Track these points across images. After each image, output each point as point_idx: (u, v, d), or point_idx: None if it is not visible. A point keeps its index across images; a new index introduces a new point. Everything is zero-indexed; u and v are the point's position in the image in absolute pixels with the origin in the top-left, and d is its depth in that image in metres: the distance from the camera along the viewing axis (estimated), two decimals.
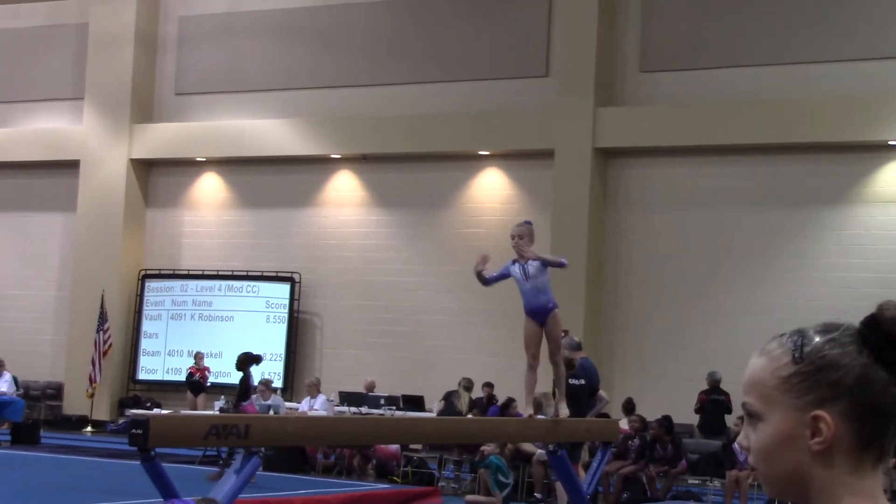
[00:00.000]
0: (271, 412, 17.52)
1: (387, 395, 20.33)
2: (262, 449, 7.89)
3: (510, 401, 17.28)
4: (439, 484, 17.40)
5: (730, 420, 18.64)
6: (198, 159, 25.52)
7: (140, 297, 25.56)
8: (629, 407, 18.39)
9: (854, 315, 1.80)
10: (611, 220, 21.82)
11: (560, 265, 10.37)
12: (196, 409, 21.04)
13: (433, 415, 18.60)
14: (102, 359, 24.46)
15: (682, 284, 21.14)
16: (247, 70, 25.26)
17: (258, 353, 17.49)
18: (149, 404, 23.86)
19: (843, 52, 20.37)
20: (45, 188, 26.83)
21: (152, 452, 7.21)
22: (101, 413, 24.82)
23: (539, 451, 15.38)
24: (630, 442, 17.01)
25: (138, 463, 7.43)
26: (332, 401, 20.06)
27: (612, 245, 21.77)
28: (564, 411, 10.32)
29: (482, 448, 16.04)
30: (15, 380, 22.41)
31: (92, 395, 24.47)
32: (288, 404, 19.98)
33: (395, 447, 18.15)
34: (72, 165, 25.98)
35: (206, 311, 24.88)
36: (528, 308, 10.10)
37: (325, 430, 9.59)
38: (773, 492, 1.79)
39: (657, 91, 21.75)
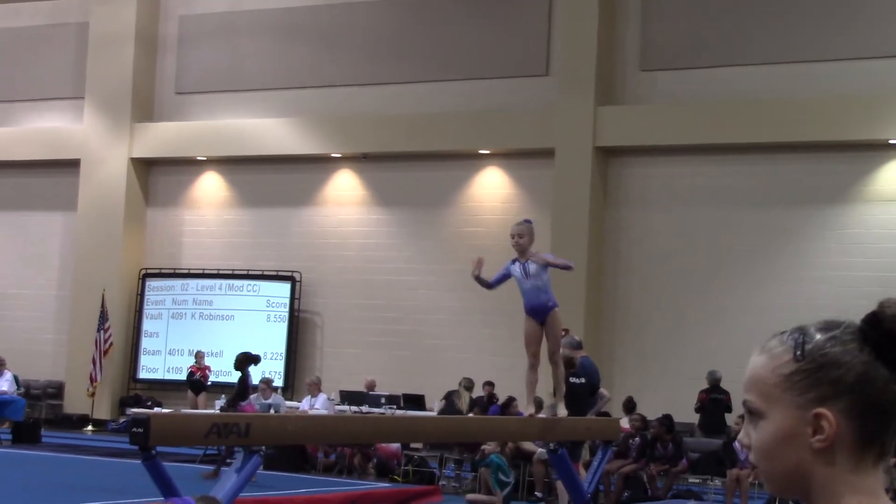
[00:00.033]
0: (272, 411, 17.53)
1: (387, 394, 20.33)
2: (263, 448, 7.89)
3: (511, 400, 17.28)
4: (440, 483, 17.41)
5: (730, 419, 18.63)
6: (198, 158, 25.52)
7: (141, 296, 25.57)
8: (630, 406, 18.39)
9: (855, 314, 1.81)
10: (611, 219, 21.83)
11: (567, 267, 10.33)
12: (197, 408, 21.04)
13: (434, 414, 18.60)
14: (103, 358, 24.47)
15: (682, 283, 21.14)
16: (247, 69, 25.26)
17: (257, 353, 17.47)
18: (149, 403, 23.86)
19: (843, 51, 20.36)
20: (46, 187, 26.83)
21: (153, 451, 7.21)
22: (102, 412, 24.83)
23: (540, 449, 15.38)
24: (631, 441, 17.01)
25: (139, 462, 7.43)
26: (332, 400, 20.07)
27: (613, 244, 21.78)
28: (562, 411, 10.32)
29: (483, 447, 16.03)
30: (16, 379, 22.41)
31: (93, 395, 24.48)
32: (288, 403, 19.98)
33: (395, 446, 18.15)
34: (72, 164, 25.98)
35: (206, 310, 24.89)
36: (529, 307, 10.10)
37: (325, 428, 9.59)
38: (775, 489, 1.79)
39: (657, 90, 21.76)
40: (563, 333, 16.37)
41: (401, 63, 23.77)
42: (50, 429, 23.35)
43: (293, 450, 18.19)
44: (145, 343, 25.45)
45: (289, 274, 24.29)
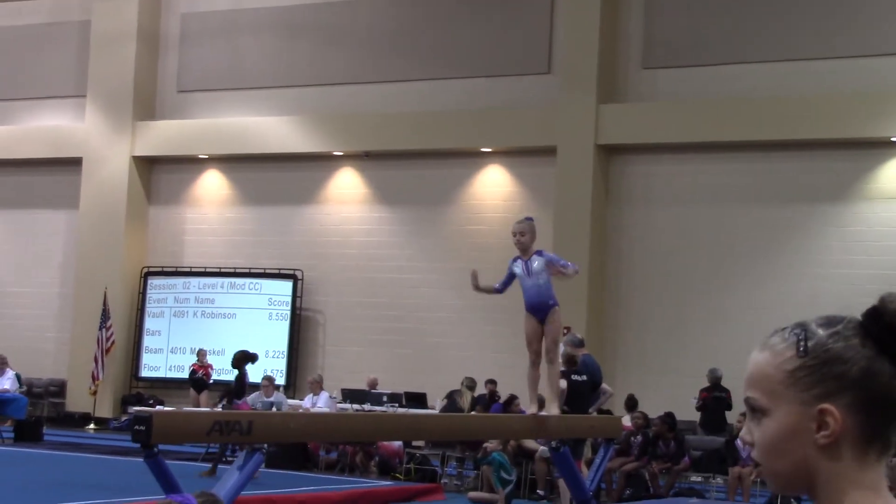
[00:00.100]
0: (274, 409, 17.53)
1: (389, 392, 20.32)
2: (265, 445, 7.89)
3: (513, 398, 17.28)
4: (442, 481, 17.42)
5: (731, 417, 18.62)
6: (200, 156, 25.53)
7: (143, 294, 25.58)
8: (631, 403, 18.38)
9: (857, 311, 1.80)
10: (613, 217, 21.82)
11: (573, 272, 10.21)
12: (199, 407, 21.04)
13: (436, 412, 18.60)
14: (105, 356, 24.47)
15: (684, 281, 21.13)
16: (249, 67, 25.26)
17: (255, 351, 17.46)
18: (151, 401, 23.88)
19: (845, 48, 20.35)
20: (48, 186, 26.84)
21: (155, 449, 7.22)
22: (104, 410, 24.83)
23: (542, 447, 15.39)
24: (633, 438, 17.02)
25: (141, 460, 7.44)
26: (334, 398, 20.06)
27: (615, 242, 21.77)
28: (554, 410, 10.30)
29: (485, 445, 16.04)
30: (18, 377, 22.41)
31: (95, 393, 24.48)
32: (290, 401, 19.98)
33: (397, 444, 18.16)
34: (74, 163, 25.99)
35: (208, 308, 24.89)
36: (529, 305, 10.10)
37: (327, 426, 9.60)
38: (778, 486, 1.79)
39: (659, 88, 21.75)
40: (565, 331, 16.42)
41: (403, 61, 23.77)
42: (52, 427, 23.36)
43: (295, 448, 18.19)
44: (147, 341, 25.46)
45: (291, 272, 24.29)
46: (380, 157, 23.86)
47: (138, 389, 25.36)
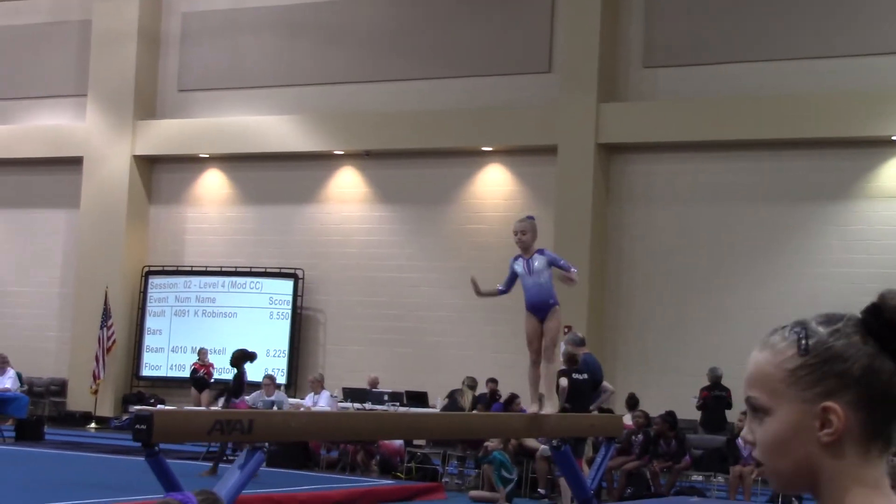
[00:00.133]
0: (275, 408, 17.53)
1: (390, 391, 20.33)
2: (266, 444, 7.89)
3: (513, 396, 17.29)
4: (443, 480, 17.42)
5: (731, 416, 18.61)
6: (201, 156, 25.53)
7: (143, 293, 25.58)
8: (632, 402, 18.38)
9: (857, 310, 1.81)
10: (613, 216, 21.82)
11: (571, 276, 10.18)
12: (200, 406, 21.04)
13: (437, 411, 18.60)
14: (106, 355, 24.48)
15: (684, 280, 21.13)
16: (250, 66, 25.26)
17: (254, 350, 17.43)
18: (152, 401, 23.87)
19: (846, 47, 20.35)
20: (49, 185, 26.84)
21: (156, 448, 7.22)
22: (105, 409, 24.84)
23: (543, 446, 15.39)
24: (634, 437, 17.02)
25: (142, 459, 7.44)
26: (335, 397, 20.06)
27: (615, 241, 21.77)
28: (548, 409, 10.30)
29: (486, 444, 16.05)
30: (19, 376, 22.42)
31: (96, 392, 24.48)
32: (291, 400, 19.98)
33: (398, 443, 18.17)
34: (75, 162, 25.99)
35: (209, 307, 24.89)
36: (529, 303, 10.10)
37: (328, 425, 9.61)
38: (781, 485, 1.79)
39: (660, 87, 21.75)
40: (566, 330, 16.43)
41: (403, 60, 23.77)
42: (53, 426, 23.37)
43: (296, 447, 18.19)
44: (148, 340, 25.46)
45: (291, 271, 24.30)
46: (380, 157, 23.86)
47: (139, 388, 25.37)
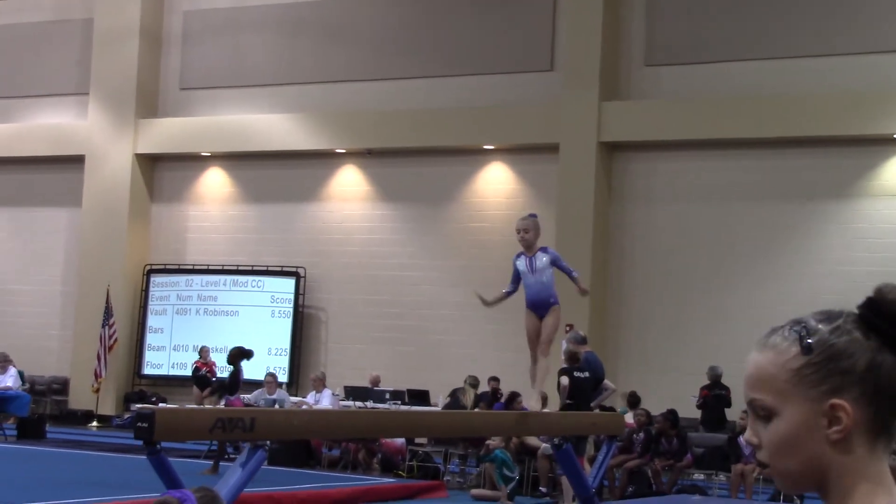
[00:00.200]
0: (276, 406, 17.53)
1: (392, 389, 20.34)
2: (268, 443, 7.89)
3: (515, 395, 17.28)
4: (444, 478, 17.42)
5: (730, 414, 18.60)
6: (203, 154, 25.54)
7: (145, 291, 25.59)
8: (634, 400, 18.38)
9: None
10: (615, 215, 21.82)
11: (572, 277, 10.26)
12: (202, 404, 21.04)
13: (439, 409, 18.60)
14: (108, 354, 24.48)
15: (685, 279, 21.13)
16: (251, 65, 25.27)
17: (252, 348, 17.41)
18: (154, 399, 23.89)
19: (847, 45, 20.34)
20: (50, 183, 26.85)
21: (158, 446, 7.22)
22: (107, 408, 24.85)
23: (544, 444, 15.39)
24: (635, 436, 17.02)
25: (144, 457, 7.44)
26: (337, 395, 20.06)
27: (617, 239, 21.77)
28: (533, 403, 10.30)
29: (487, 442, 16.05)
30: (21, 375, 22.43)
31: (97, 390, 24.49)
32: (293, 399, 19.98)
33: (400, 441, 18.16)
34: (77, 160, 26.00)
35: (211, 305, 24.90)
36: (530, 301, 10.10)
37: (330, 423, 9.60)
38: (788, 486, 1.79)
39: (662, 85, 21.75)
40: (568, 329, 16.44)
41: (405, 58, 23.77)
42: (55, 424, 23.38)
43: (298, 445, 18.20)
44: (150, 339, 25.47)
45: (293, 269, 24.30)
46: (382, 155, 23.86)
47: (141, 387, 25.38)
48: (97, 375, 24.38)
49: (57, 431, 22.46)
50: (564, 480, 13.90)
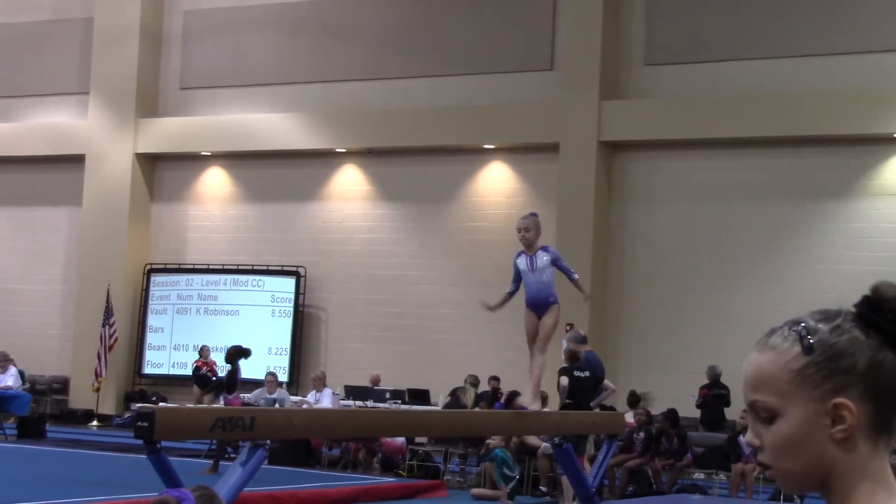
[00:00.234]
0: (276, 406, 17.52)
1: (392, 388, 20.33)
2: (268, 442, 7.89)
3: (515, 394, 17.27)
4: (445, 477, 17.42)
5: (730, 413, 18.59)
6: (203, 153, 25.54)
7: (145, 291, 25.59)
8: (634, 400, 18.37)
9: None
10: (615, 214, 21.81)
11: (572, 278, 10.27)
12: (202, 404, 21.03)
13: (439, 409, 18.60)
14: (108, 353, 24.48)
15: (686, 279, 21.12)
16: (251, 64, 25.26)
17: (251, 347, 17.39)
18: (154, 398, 23.89)
19: (847, 45, 20.34)
20: (51, 183, 26.85)
21: (158, 445, 7.22)
22: (107, 407, 24.85)
23: (544, 444, 15.39)
24: (635, 435, 17.02)
25: (144, 457, 7.44)
26: (337, 395, 20.06)
27: (617, 238, 21.77)
28: (527, 398, 10.30)
29: (487, 441, 16.05)
30: (21, 374, 22.42)
31: (98, 390, 24.49)
32: (293, 398, 19.98)
33: (400, 441, 18.16)
34: (77, 160, 25.99)
35: (211, 305, 24.90)
36: (530, 300, 10.10)
37: (330, 422, 9.60)
38: (792, 486, 1.79)
39: (662, 84, 21.74)
40: (568, 328, 16.45)
41: (405, 57, 23.77)
42: (55, 424, 23.38)
43: (298, 444, 18.19)
44: (150, 338, 25.48)
45: (293, 269, 24.30)
46: (382, 154, 23.86)
47: (141, 386, 25.38)
48: (97, 375, 24.39)
49: (57, 431, 22.46)
50: (565, 480, 13.91)
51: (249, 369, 17.21)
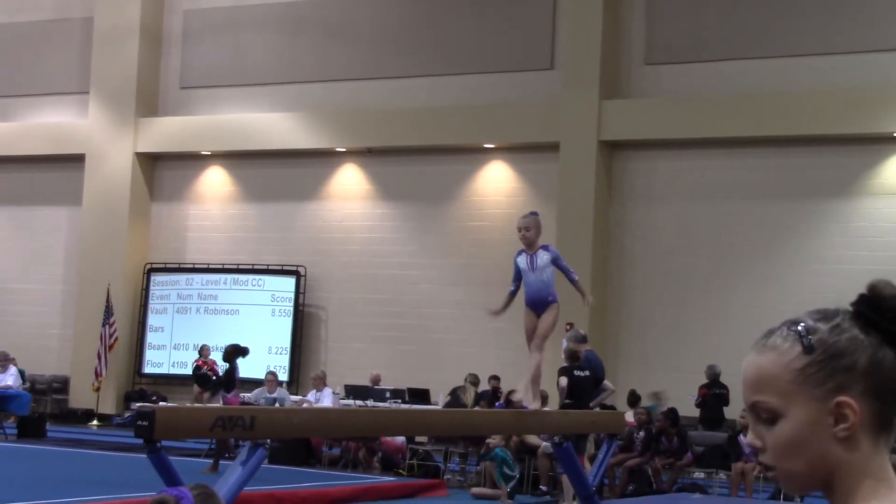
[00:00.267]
0: (277, 405, 17.53)
1: (392, 388, 20.33)
2: (269, 441, 7.89)
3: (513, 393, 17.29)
4: (445, 477, 17.42)
5: (729, 413, 18.59)
6: (203, 153, 25.54)
7: (145, 290, 25.59)
8: (634, 399, 18.38)
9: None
10: (615, 213, 21.82)
11: (571, 279, 10.29)
12: (202, 403, 21.02)
13: (439, 408, 18.60)
14: (108, 352, 24.49)
15: (685, 278, 21.12)
16: (251, 64, 25.27)
17: (249, 346, 17.39)
18: (154, 398, 23.88)
19: (847, 44, 20.34)
20: (51, 182, 26.85)
21: (158, 444, 7.22)
22: (107, 407, 24.86)
23: (545, 443, 15.39)
24: (635, 434, 17.02)
25: (144, 456, 7.44)
26: (337, 394, 20.06)
27: (617, 238, 21.77)
28: (519, 395, 10.30)
29: (487, 440, 16.05)
30: (21, 373, 22.42)
31: (98, 389, 24.50)
32: (293, 397, 19.98)
33: (400, 440, 18.17)
34: (77, 159, 25.99)
35: (211, 304, 24.90)
36: (529, 299, 10.10)
37: (330, 422, 9.61)
38: (795, 487, 1.79)
39: (662, 84, 21.75)
40: (568, 327, 16.45)
41: (405, 57, 23.77)
42: (55, 423, 23.38)
43: (298, 444, 18.20)
44: (150, 338, 25.48)
45: (293, 268, 24.30)
46: (382, 154, 23.86)
47: (141, 386, 25.38)
48: (97, 374, 24.39)
49: (57, 430, 22.46)
50: (565, 479, 13.91)
51: (249, 369, 17.22)
